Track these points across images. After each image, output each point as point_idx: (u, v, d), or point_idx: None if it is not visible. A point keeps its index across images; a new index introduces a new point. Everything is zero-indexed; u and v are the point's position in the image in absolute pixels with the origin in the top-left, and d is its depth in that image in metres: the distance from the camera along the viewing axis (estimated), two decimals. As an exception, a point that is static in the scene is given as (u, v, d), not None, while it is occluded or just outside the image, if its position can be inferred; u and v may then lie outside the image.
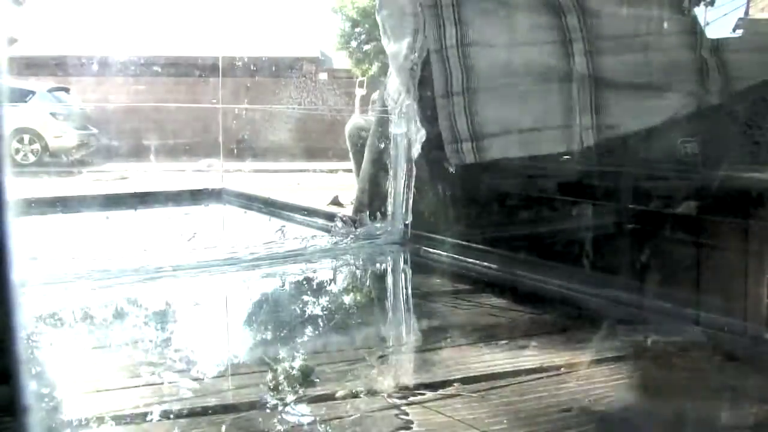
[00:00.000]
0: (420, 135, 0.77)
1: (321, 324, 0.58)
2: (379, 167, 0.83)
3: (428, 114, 0.78)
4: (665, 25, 0.70)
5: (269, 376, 0.44)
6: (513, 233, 0.79)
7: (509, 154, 0.73)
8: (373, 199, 0.83)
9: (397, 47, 0.83)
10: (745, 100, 0.69)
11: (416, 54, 0.79)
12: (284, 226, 0.86)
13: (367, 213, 0.81)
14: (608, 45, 0.69)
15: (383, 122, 0.88)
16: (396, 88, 0.88)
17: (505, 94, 0.73)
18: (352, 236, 0.80)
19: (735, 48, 0.71)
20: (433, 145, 0.78)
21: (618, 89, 0.70)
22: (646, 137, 0.70)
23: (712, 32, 0.80)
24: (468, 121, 0.73)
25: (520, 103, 0.72)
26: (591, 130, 0.70)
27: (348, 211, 0.83)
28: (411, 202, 0.82)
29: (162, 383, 0.42)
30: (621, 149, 0.71)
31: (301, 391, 0.42)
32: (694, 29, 0.71)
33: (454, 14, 0.73)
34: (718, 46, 0.70)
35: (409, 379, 0.46)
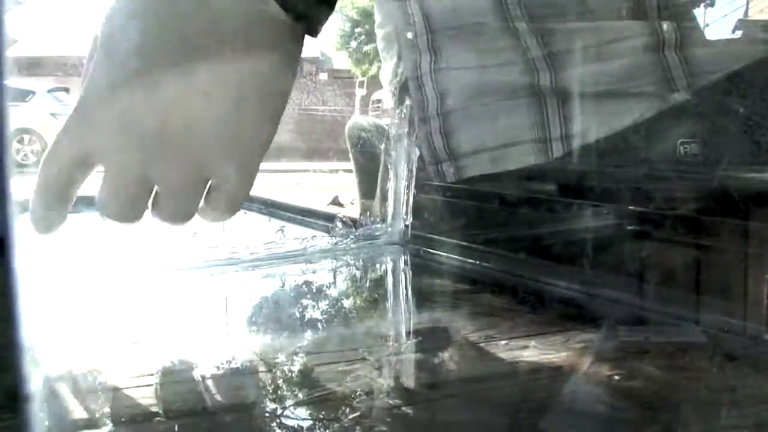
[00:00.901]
0: (414, 155, 0.80)
1: (321, 324, 0.58)
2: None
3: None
4: (623, 31, 0.71)
5: (269, 376, 0.44)
6: (513, 234, 0.80)
7: (483, 172, 0.76)
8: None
9: (385, 68, 0.86)
10: (712, 93, 0.69)
11: (398, 78, 0.83)
12: (284, 227, 0.86)
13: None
14: (568, 59, 0.71)
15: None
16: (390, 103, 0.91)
17: (476, 115, 0.75)
18: (352, 237, 0.80)
19: (700, 43, 0.72)
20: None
21: (582, 99, 0.72)
22: (616, 141, 0.71)
23: (711, 33, 0.80)
24: (444, 142, 0.76)
25: (491, 121, 0.75)
26: (560, 141, 0.72)
27: (347, 211, 0.83)
28: (411, 202, 0.82)
29: (162, 383, 0.42)
30: (595, 154, 0.73)
31: (301, 392, 0.42)
32: (655, 30, 0.71)
33: (428, 43, 0.76)
34: (681, 43, 0.70)
35: (409, 380, 0.46)
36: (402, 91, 0.83)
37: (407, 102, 0.82)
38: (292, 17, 0.36)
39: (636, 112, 0.71)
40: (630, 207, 0.70)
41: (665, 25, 0.71)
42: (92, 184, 0.45)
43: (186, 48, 0.34)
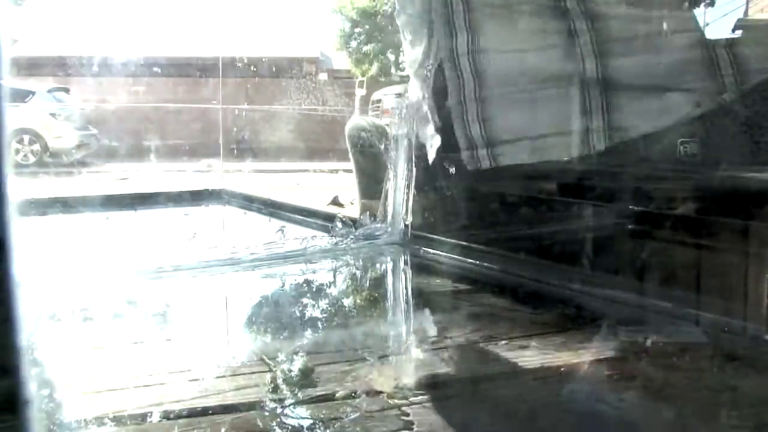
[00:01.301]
0: (435, 140, 0.77)
1: (321, 324, 0.58)
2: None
3: (440, 121, 0.78)
4: (674, 23, 0.69)
5: (269, 376, 0.44)
6: (512, 234, 0.80)
7: (522, 161, 0.73)
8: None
9: (414, 53, 0.82)
10: (759, 94, 0.68)
11: (431, 61, 0.79)
12: (284, 227, 0.86)
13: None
14: (617, 47, 0.69)
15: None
16: (415, 93, 0.88)
17: (516, 101, 0.73)
18: (352, 237, 0.80)
19: (749, 41, 0.70)
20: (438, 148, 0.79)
21: (628, 91, 0.70)
22: (658, 139, 0.70)
23: (711, 32, 0.80)
24: (481, 128, 0.73)
25: (531, 109, 0.72)
26: (602, 134, 0.70)
27: (347, 211, 0.83)
28: (411, 202, 0.82)
29: (162, 383, 0.42)
30: (633, 152, 0.70)
31: (301, 392, 0.42)
32: (704, 25, 0.70)
33: (465, 22, 0.73)
34: (732, 40, 0.70)
35: (409, 379, 0.46)
36: (437, 74, 0.79)
37: (405, 102, 0.82)
38: None
39: (683, 109, 0.68)
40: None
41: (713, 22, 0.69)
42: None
43: None
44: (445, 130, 0.77)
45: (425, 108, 0.78)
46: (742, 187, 0.65)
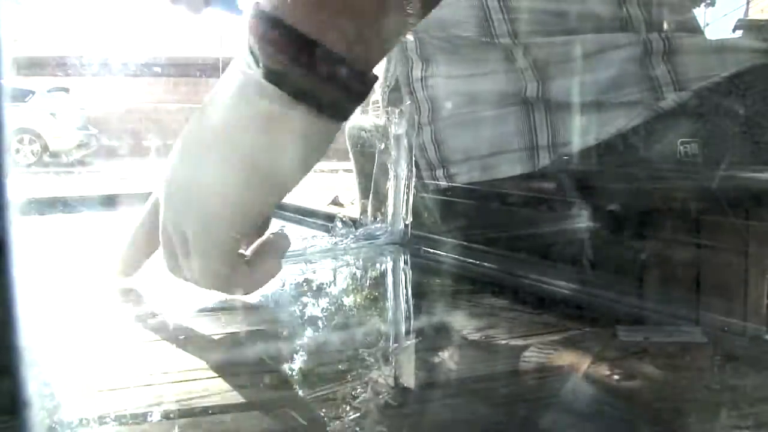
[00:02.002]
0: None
1: (321, 324, 0.58)
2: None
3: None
4: (609, 43, 0.72)
5: (269, 376, 0.44)
6: (512, 233, 0.80)
7: (474, 179, 0.76)
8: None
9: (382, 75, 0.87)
10: (699, 100, 0.70)
11: (387, 83, 0.84)
12: (284, 227, 0.85)
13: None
14: (554, 70, 0.72)
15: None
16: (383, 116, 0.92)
17: (464, 123, 0.76)
18: (352, 237, 0.80)
19: (687, 50, 0.72)
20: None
21: (569, 109, 0.72)
22: (601, 149, 0.72)
23: (711, 33, 0.80)
24: (436, 149, 0.78)
25: (479, 129, 0.76)
26: (547, 150, 0.73)
27: (347, 211, 0.83)
28: (411, 202, 0.82)
29: (162, 383, 0.42)
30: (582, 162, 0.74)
31: (301, 391, 0.42)
32: (641, 41, 0.71)
33: (417, 51, 0.77)
34: (669, 51, 0.71)
35: (409, 379, 0.46)
36: (392, 93, 0.84)
37: (407, 101, 0.83)
38: (326, 116, 0.41)
39: (622, 121, 0.71)
40: (619, 209, 0.70)
41: (652, 35, 0.71)
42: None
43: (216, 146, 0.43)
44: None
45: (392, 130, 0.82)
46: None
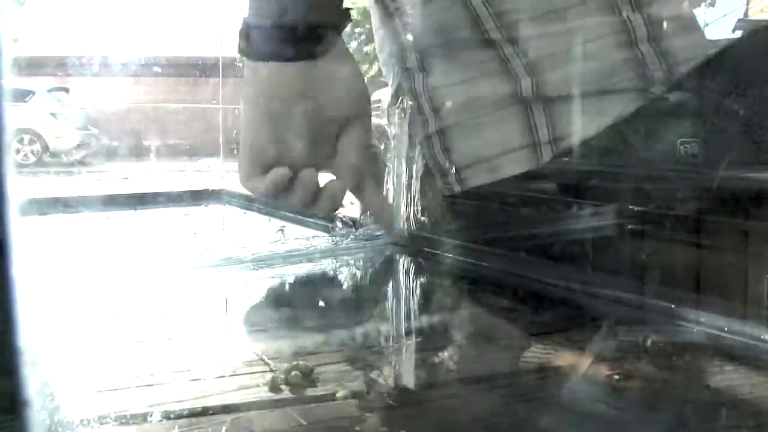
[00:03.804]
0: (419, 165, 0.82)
1: (321, 324, 0.58)
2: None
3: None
4: (595, 31, 0.72)
5: (269, 376, 0.44)
6: (512, 233, 0.80)
7: (483, 182, 0.77)
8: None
9: (386, 93, 0.87)
10: (690, 84, 0.71)
11: (396, 105, 0.84)
12: (284, 227, 0.85)
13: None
14: (546, 63, 0.72)
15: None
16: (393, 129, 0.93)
17: (469, 128, 0.77)
18: (352, 237, 0.80)
19: (678, 32, 0.73)
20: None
21: (565, 102, 0.73)
22: (602, 139, 0.73)
23: (711, 33, 0.81)
24: (446, 158, 0.78)
25: (483, 133, 0.77)
26: (549, 145, 0.74)
27: (348, 211, 0.83)
28: (411, 202, 0.82)
29: (162, 383, 0.42)
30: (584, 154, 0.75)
31: (301, 391, 0.42)
32: (627, 27, 0.72)
33: (418, 62, 0.78)
34: (656, 35, 0.71)
35: (409, 379, 0.46)
36: (392, 98, 0.84)
37: (409, 102, 0.83)
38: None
39: (617, 109, 0.72)
40: (625, 205, 0.71)
41: (636, 19, 0.72)
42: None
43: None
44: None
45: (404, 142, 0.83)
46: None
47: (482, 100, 0.76)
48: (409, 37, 0.78)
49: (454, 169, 0.78)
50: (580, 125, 0.73)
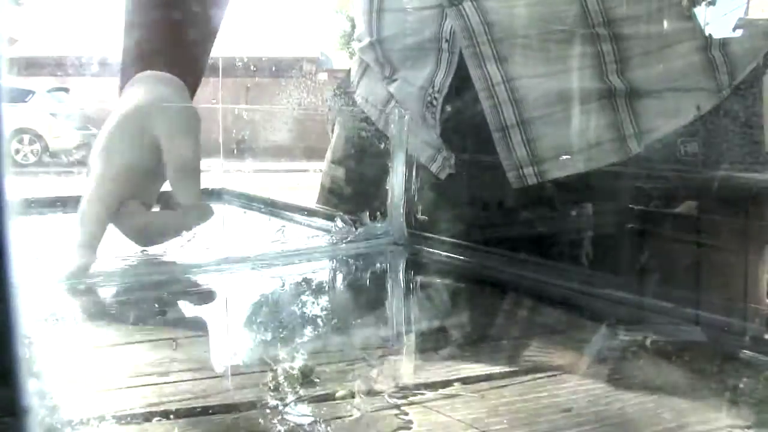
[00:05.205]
0: (450, 161, 0.83)
1: (321, 324, 0.58)
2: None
3: (456, 142, 0.83)
4: (679, 35, 0.78)
5: (269, 376, 0.44)
6: (512, 233, 0.80)
7: (568, 173, 0.78)
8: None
9: (413, 75, 0.85)
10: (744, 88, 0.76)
11: (436, 89, 0.82)
12: (284, 226, 0.85)
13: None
14: (635, 61, 0.75)
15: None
16: (384, 98, 0.92)
17: (556, 121, 0.78)
18: (352, 236, 0.80)
19: (736, 42, 0.78)
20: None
21: (649, 97, 0.76)
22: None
23: (711, 33, 0.82)
24: (527, 150, 0.78)
25: (571, 126, 0.78)
26: (634, 138, 0.76)
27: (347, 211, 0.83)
28: (411, 202, 0.82)
29: (162, 383, 0.42)
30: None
31: (301, 391, 0.42)
32: (701, 33, 0.78)
33: (493, 53, 0.77)
34: (723, 43, 0.77)
35: (409, 379, 0.46)
36: (445, 101, 0.82)
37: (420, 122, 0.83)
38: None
39: (695, 107, 0.75)
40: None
41: (706, 28, 0.78)
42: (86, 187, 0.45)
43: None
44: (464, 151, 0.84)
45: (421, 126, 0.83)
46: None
47: (571, 92, 0.77)
48: (480, 23, 0.77)
49: (533, 161, 0.78)
50: (663, 119, 0.77)
